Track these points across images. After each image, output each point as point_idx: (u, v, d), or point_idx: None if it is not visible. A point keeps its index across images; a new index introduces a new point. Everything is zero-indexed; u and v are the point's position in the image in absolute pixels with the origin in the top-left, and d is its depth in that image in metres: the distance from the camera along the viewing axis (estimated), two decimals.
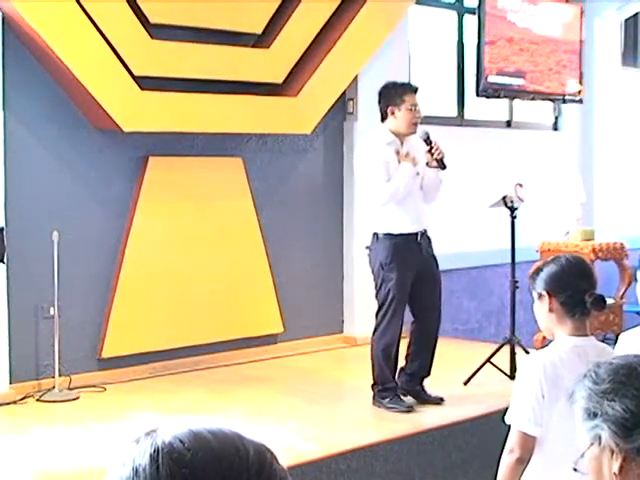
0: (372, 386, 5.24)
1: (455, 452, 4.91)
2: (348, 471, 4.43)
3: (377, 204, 5.08)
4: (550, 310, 2.94)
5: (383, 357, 5.13)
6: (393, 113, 5.09)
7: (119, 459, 1.02)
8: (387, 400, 5.14)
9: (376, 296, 5.17)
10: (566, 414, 2.79)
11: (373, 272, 5.19)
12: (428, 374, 5.30)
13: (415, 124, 5.11)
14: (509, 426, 2.92)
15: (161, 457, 0.98)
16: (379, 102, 5.18)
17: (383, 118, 5.17)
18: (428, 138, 5.14)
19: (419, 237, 5.13)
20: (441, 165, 5.13)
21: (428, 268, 5.17)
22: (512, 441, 2.87)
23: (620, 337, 3.23)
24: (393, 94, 5.13)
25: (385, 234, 5.10)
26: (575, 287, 2.94)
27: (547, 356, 2.88)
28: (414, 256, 5.10)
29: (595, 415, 1.51)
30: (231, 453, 1.00)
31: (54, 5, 5.33)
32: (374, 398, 5.22)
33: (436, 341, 5.28)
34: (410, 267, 5.09)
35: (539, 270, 3.02)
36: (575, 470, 1.57)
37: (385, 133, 5.14)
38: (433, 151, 5.11)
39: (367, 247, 5.25)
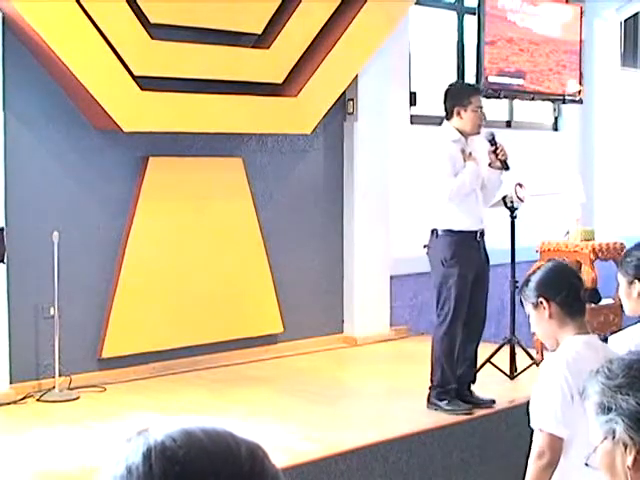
0: (430, 388, 5.15)
1: (455, 452, 4.90)
2: (348, 471, 4.43)
3: (442, 199, 5.04)
4: (550, 316, 2.93)
5: (445, 358, 5.07)
6: (459, 113, 5.09)
7: (112, 458, 1.02)
8: (445, 402, 5.07)
9: (436, 295, 5.11)
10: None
11: (432, 270, 5.16)
12: (474, 381, 5.25)
13: (480, 125, 5.13)
14: (531, 430, 2.86)
15: (154, 455, 0.98)
16: (444, 101, 5.18)
17: (448, 117, 5.16)
18: (493, 139, 5.19)
19: (478, 236, 5.12)
20: (505, 166, 5.17)
21: (484, 270, 5.15)
22: (541, 445, 2.80)
23: (609, 339, 3.22)
24: (460, 94, 5.15)
25: (445, 230, 5.06)
26: (569, 285, 2.96)
27: (568, 354, 2.85)
28: (474, 254, 5.09)
29: (609, 410, 1.52)
30: (223, 451, 1.00)
31: (54, 5, 5.33)
32: (429, 400, 5.13)
33: (477, 347, 5.24)
34: (471, 265, 5.06)
35: (527, 281, 3.02)
36: (587, 465, 1.57)
37: (451, 131, 5.13)
38: (498, 152, 5.15)
39: (425, 246, 5.21)
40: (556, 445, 2.79)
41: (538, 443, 2.82)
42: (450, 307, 5.05)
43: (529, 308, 3.01)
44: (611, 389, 1.54)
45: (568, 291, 2.94)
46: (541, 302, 2.94)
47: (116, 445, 1.03)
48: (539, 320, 2.98)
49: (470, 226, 5.09)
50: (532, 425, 2.86)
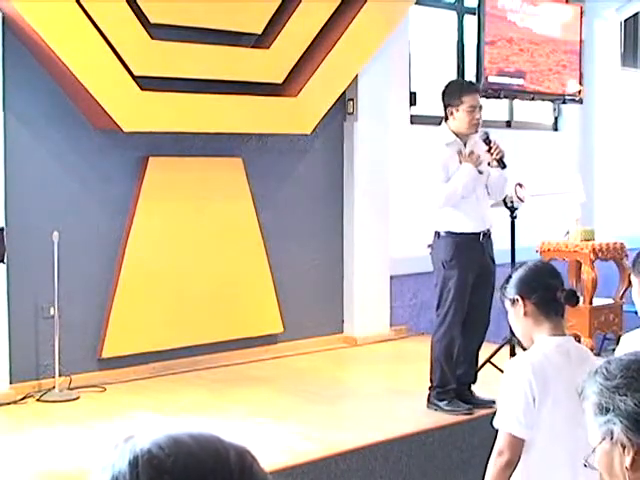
0: (429, 388, 5.16)
1: (455, 452, 4.91)
2: (348, 471, 4.43)
3: (435, 205, 5.03)
4: (525, 314, 2.96)
5: (444, 358, 5.06)
6: (452, 114, 5.05)
7: (99, 465, 1.01)
8: (445, 402, 5.07)
9: (437, 296, 5.10)
10: (554, 416, 2.80)
11: (434, 270, 5.15)
12: (474, 381, 5.25)
13: (475, 125, 5.06)
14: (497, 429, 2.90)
15: (141, 464, 0.97)
16: (442, 100, 5.14)
17: (445, 117, 5.12)
18: (487, 138, 5.14)
19: (481, 237, 5.10)
20: (501, 164, 5.14)
21: (487, 271, 5.11)
22: (501, 444, 2.84)
23: (622, 338, 3.22)
24: (452, 94, 5.08)
25: (447, 232, 5.04)
26: (546, 286, 2.98)
27: (534, 356, 2.88)
28: (476, 256, 5.05)
29: (607, 410, 1.52)
30: (212, 456, 0.99)
31: (54, 5, 5.33)
32: (429, 400, 5.14)
33: (480, 348, 5.23)
34: (472, 267, 5.03)
35: (508, 278, 3.06)
36: (585, 466, 1.57)
37: (446, 133, 5.09)
38: (492, 151, 5.11)
39: (429, 245, 5.20)
40: (516, 445, 2.82)
41: (499, 442, 2.85)
42: (449, 308, 5.04)
43: (507, 305, 3.04)
44: (609, 390, 1.54)
45: (544, 291, 2.96)
46: (517, 300, 2.97)
47: (103, 451, 1.02)
48: (515, 318, 3.01)
49: (472, 228, 5.07)
50: (494, 424, 2.88)
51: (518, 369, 2.87)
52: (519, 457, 2.83)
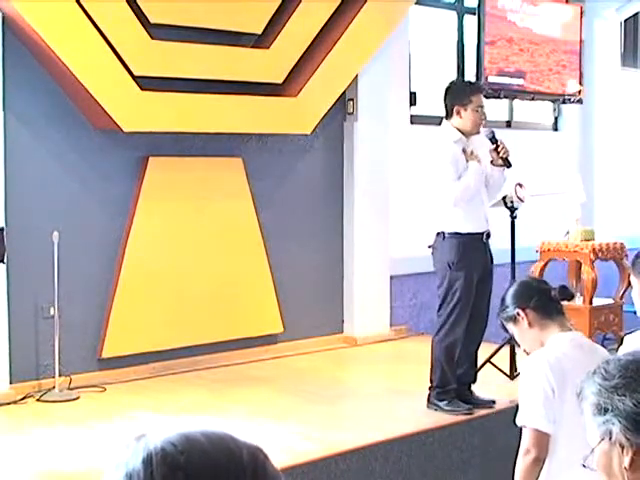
0: (430, 388, 5.15)
1: (455, 452, 4.91)
2: (348, 471, 4.43)
3: (449, 203, 4.99)
4: (530, 324, 3.06)
5: (445, 359, 5.05)
6: (459, 112, 5.03)
7: (111, 463, 1.01)
8: (445, 403, 5.07)
9: (441, 296, 5.08)
10: (576, 410, 2.82)
11: (437, 272, 5.13)
12: (474, 381, 5.24)
13: (480, 124, 5.07)
14: (520, 428, 2.91)
15: (155, 462, 0.97)
16: (445, 98, 5.12)
17: (448, 115, 5.10)
18: (494, 137, 5.15)
19: (484, 237, 5.10)
20: (507, 163, 5.15)
21: (488, 271, 5.12)
22: (527, 442, 2.87)
23: (625, 339, 3.23)
24: (461, 93, 5.07)
25: (452, 233, 5.01)
26: (539, 290, 3.12)
27: (549, 352, 2.93)
28: (480, 256, 5.05)
29: (606, 410, 1.52)
30: (225, 455, 0.99)
31: (54, 5, 5.33)
32: (429, 400, 5.13)
33: (478, 348, 5.22)
34: (477, 267, 5.03)
35: (502, 301, 3.18)
36: (584, 466, 1.57)
37: (451, 131, 5.07)
38: (499, 149, 5.12)
39: (430, 246, 5.17)
40: (542, 441, 2.85)
41: (524, 440, 2.89)
42: (454, 310, 5.02)
43: (510, 326, 3.14)
44: (608, 390, 1.54)
45: (538, 295, 3.09)
46: (518, 313, 3.07)
47: (114, 450, 1.02)
48: (522, 333, 3.11)
49: (477, 228, 5.06)
50: (517, 422, 2.91)
51: (534, 366, 2.92)
52: (546, 454, 2.85)
